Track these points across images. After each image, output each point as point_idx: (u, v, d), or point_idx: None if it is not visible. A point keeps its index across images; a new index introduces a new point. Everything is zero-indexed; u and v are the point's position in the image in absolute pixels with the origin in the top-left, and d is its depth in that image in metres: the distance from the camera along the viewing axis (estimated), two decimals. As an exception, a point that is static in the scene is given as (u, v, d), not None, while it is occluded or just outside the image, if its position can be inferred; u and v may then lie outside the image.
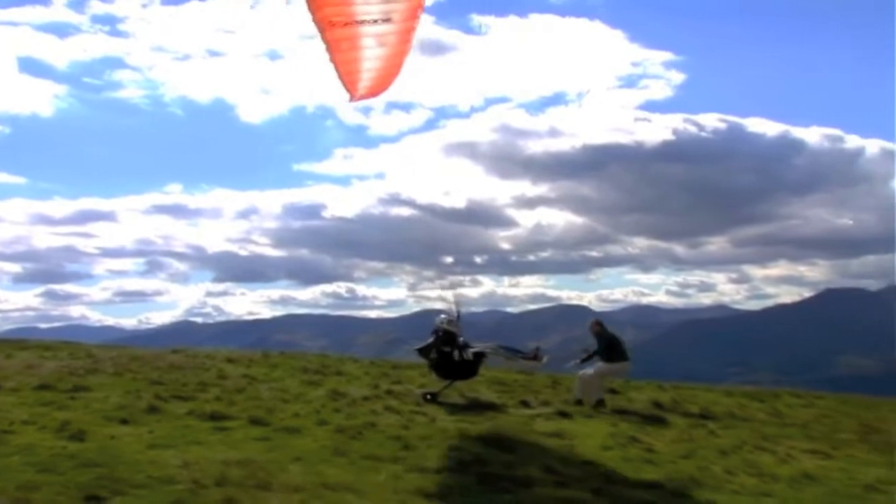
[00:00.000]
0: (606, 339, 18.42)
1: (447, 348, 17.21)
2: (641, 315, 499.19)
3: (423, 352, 17.89)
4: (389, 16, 12.20)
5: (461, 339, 17.41)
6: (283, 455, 11.35)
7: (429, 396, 17.08)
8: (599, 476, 10.92)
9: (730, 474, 11.41)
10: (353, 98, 13.51)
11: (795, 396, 22.22)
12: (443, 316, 17.83)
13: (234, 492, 9.04)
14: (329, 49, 12.34)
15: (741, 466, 11.98)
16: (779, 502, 10.05)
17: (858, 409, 19.54)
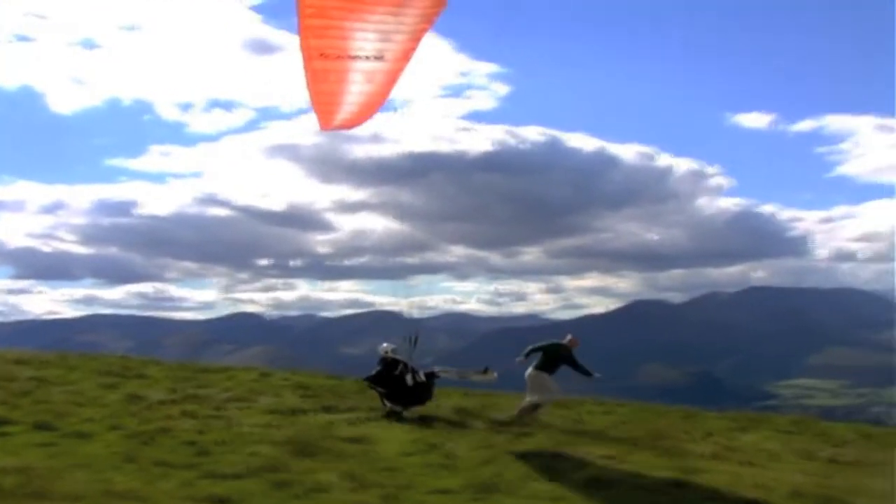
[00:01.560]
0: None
1: (397, 372, 17.23)
2: (456, 322, 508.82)
3: (374, 380, 17.72)
4: (382, 54, 12.80)
5: (409, 363, 17.39)
6: (68, 461, 10.95)
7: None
8: (396, 482, 11.06)
9: (526, 480, 11.78)
10: (324, 127, 14.06)
11: (598, 404, 23.16)
12: (385, 345, 18.01)
13: (6, 501, 8.58)
14: (313, 78, 12.90)
15: (538, 472, 12.39)
16: (569, 506, 10.44)
17: (654, 416, 20.60)
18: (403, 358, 17.45)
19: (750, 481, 12.85)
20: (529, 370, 18.46)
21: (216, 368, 23.69)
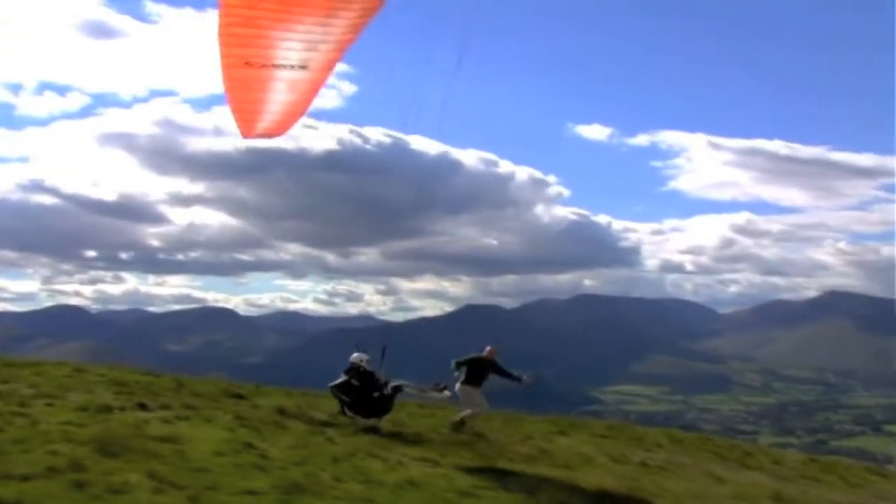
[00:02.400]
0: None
1: (356, 383, 17.21)
2: (287, 321, 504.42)
3: (339, 389, 17.44)
4: (306, 64, 12.92)
5: (381, 376, 17.48)
6: None
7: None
8: (203, 483, 10.78)
9: (337, 481, 11.74)
10: (246, 135, 14.01)
11: (420, 407, 23.37)
12: (357, 354, 17.68)
13: None
14: (235, 86, 13.02)
15: (350, 473, 12.37)
16: (378, 508, 10.46)
17: (476, 419, 20.86)
18: (372, 368, 17.46)
19: (560, 483, 13.26)
20: (458, 385, 18.69)
21: (24, 363, 22.43)
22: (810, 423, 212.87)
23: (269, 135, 14.47)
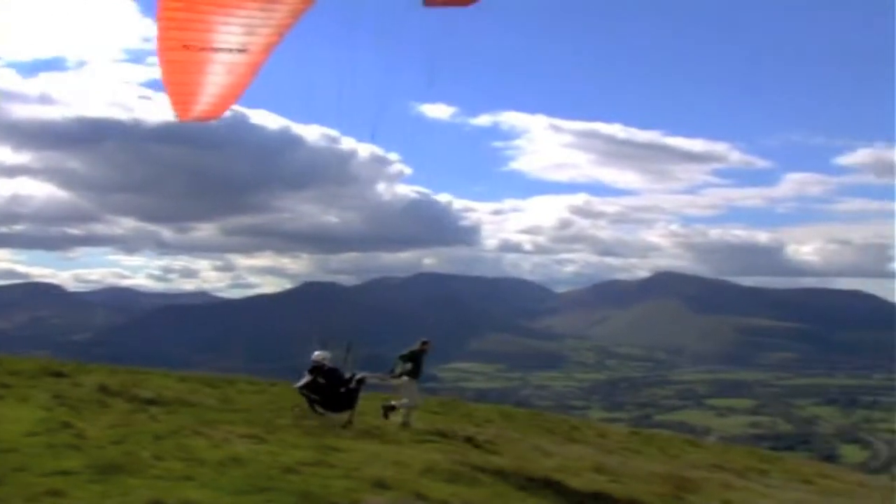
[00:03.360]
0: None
1: (322, 380, 17.52)
2: (119, 298, 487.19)
3: (308, 388, 17.58)
4: (246, 47, 13.11)
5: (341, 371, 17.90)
6: None
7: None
8: (10, 464, 10.38)
9: (158, 459, 11.51)
10: (182, 118, 14.16)
11: (251, 384, 23.20)
12: (318, 353, 17.96)
13: None
14: (172, 68, 13.09)
15: (172, 451, 12.15)
16: (198, 486, 10.32)
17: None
18: (335, 364, 17.92)
19: (387, 458, 13.43)
20: (404, 378, 19.31)
21: None
22: (638, 399, 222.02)
23: (205, 117, 14.69)
